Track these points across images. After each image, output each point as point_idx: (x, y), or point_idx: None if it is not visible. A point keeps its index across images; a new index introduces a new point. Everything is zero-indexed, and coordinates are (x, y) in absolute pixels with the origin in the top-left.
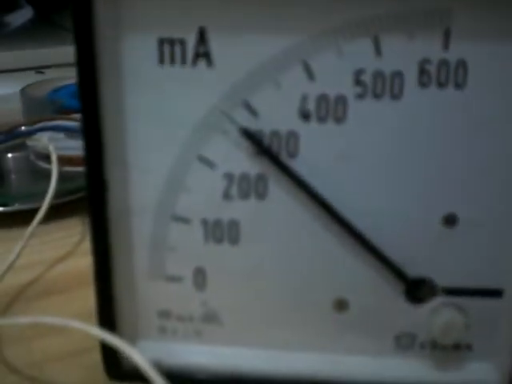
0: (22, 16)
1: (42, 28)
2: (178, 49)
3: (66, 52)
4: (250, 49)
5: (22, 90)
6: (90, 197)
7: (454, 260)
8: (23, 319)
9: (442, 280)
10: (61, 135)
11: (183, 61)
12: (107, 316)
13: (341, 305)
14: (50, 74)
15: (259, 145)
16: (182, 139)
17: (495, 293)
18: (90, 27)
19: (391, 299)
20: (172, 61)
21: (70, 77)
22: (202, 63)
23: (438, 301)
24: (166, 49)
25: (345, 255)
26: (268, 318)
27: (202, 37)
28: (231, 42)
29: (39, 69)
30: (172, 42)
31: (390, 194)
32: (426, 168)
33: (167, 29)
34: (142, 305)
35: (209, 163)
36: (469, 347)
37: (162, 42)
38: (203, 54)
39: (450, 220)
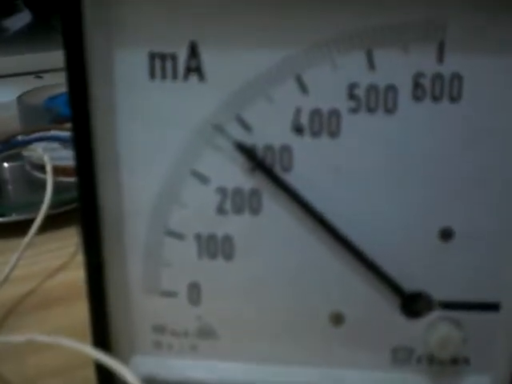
0: (20, 20)
1: (40, 32)
2: (169, 63)
3: None
4: (241, 63)
5: (19, 98)
6: (83, 212)
7: (451, 274)
8: (17, 337)
9: (438, 294)
10: (56, 145)
11: (174, 75)
12: (101, 331)
13: (337, 318)
14: (48, 78)
15: (254, 159)
16: (175, 154)
17: (492, 306)
18: (81, 42)
19: (388, 313)
20: (163, 75)
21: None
22: (193, 78)
23: (434, 315)
24: (157, 63)
25: (340, 269)
26: (264, 332)
27: (193, 51)
28: (223, 57)
29: (38, 73)
30: (163, 57)
31: (385, 208)
32: (421, 182)
33: (158, 43)
34: (137, 320)
35: (202, 178)
36: (466, 361)
37: (153, 56)
38: (195, 68)
39: (447, 234)
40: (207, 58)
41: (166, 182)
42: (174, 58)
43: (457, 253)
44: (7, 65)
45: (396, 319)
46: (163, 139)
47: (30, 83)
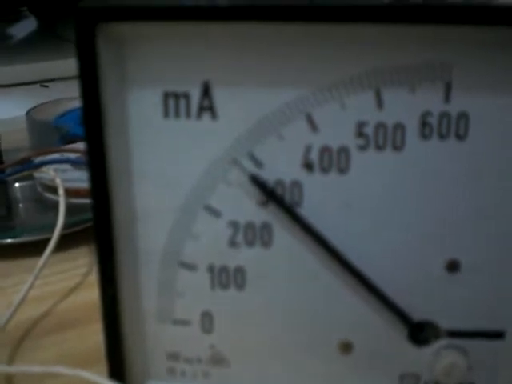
0: (25, 27)
1: (46, 40)
2: (182, 102)
3: (71, 64)
4: (253, 102)
5: (28, 114)
6: (99, 245)
7: (457, 304)
8: (35, 368)
9: (445, 323)
10: (67, 166)
11: (188, 114)
12: (117, 358)
13: (346, 347)
14: (54, 87)
15: (269, 192)
16: (188, 189)
17: (497, 335)
18: (96, 82)
19: (395, 341)
20: (177, 114)
21: (74, 98)
22: (206, 116)
23: (441, 343)
24: (171, 102)
25: (350, 299)
26: (274, 359)
27: (206, 91)
28: (235, 96)
29: (44, 82)
30: (177, 96)
31: (393, 241)
32: (429, 216)
33: (172, 83)
34: (151, 347)
35: (214, 212)
36: None
37: (166, 95)
38: (207, 107)
39: (453, 265)
40: (220, 97)
41: (179, 217)
42: (187, 97)
43: (463, 283)
44: (13, 74)
45: (403, 347)
46: (176, 175)
47: (36, 92)
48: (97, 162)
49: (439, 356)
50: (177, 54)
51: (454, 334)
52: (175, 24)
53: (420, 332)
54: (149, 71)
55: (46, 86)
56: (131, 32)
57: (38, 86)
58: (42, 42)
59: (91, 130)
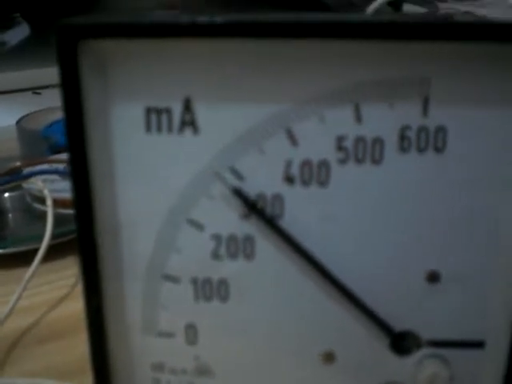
0: (18, 34)
1: (38, 46)
2: (164, 117)
3: None
4: (234, 117)
5: (18, 124)
6: (83, 259)
7: (438, 314)
8: (21, 381)
9: (426, 333)
10: (55, 176)
11: (170, 129)
12: (102, 369)
13: (328, 357)
14: (46, 94)
15: (251, 205)
16: (171, 203)
17: (477, 344)
18: (79, 98)
19: (377, 351)
20: (159, 129)
21: None
22: (188, 131)
23: (422, 352)
24: (153, 117)
25: (332, 310)
26: (258, 370)
27: (187, 106)
28: (216, 111)
29: (36, 89)
30: (159, 111)
31: (374, 253)
32: (408, 228)
33: (154, 98)
34: (136, 358)
35: (197, 225)
36: None
37: (148, 111)
38: (189, 122)
39: (433, 277)
40: (201, 112)
41: (162, 230)
42: (169, 112)
43: (443, 294)
44: (5, 81)
45: (385, 357)
46: (159, 190)
47: (28, 100)
48: (80, 176)
49: (421, 366)
50: (158, 70)
51: (435, 343)
52: (156, 41)
53: (402, 342)
54: (130, 87)
55: (39, 94)
56: (113, 49)
57: (30, 93)
58: (34, 49)
59: (74, 145)
